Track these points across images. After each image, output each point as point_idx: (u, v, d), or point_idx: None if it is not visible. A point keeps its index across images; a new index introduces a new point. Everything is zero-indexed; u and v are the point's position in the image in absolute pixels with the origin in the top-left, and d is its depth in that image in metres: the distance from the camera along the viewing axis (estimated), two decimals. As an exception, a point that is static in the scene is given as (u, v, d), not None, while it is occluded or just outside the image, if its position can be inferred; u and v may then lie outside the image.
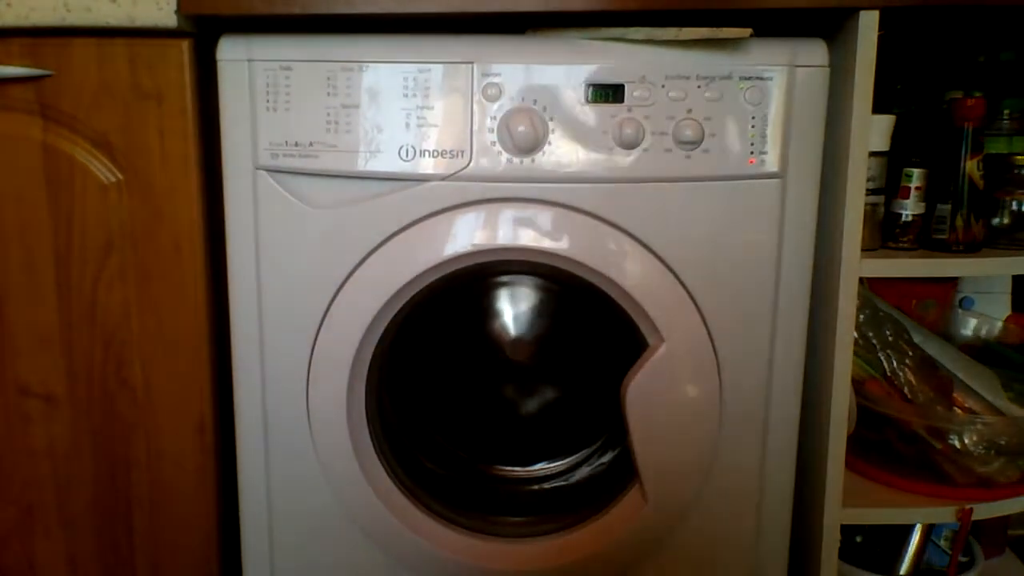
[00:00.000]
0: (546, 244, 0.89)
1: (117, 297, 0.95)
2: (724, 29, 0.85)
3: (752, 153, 0.89)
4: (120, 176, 0.92)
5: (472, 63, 0.87)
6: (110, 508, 1.00)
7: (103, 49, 0.88)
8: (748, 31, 0.86)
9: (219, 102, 0.89)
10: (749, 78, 0.87)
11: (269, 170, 0.90)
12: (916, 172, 1.02)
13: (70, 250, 0.93)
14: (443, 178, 0.89)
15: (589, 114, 0.87)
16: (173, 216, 0.93)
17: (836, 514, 1.00)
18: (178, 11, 0.85)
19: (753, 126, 0.88)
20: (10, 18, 0.85)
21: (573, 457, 1.17)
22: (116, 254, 0.94)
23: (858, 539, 1.20)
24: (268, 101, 0.88)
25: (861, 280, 0.94)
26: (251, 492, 0.99)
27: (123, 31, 0.87)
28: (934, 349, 1.11)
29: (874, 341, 1.07)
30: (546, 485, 1.15)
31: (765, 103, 0.88)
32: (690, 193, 0.89)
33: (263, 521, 0.99)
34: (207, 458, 0.99)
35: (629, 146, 0.88)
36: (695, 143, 0.88)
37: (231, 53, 0.88)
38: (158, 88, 0.89)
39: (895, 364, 1.07)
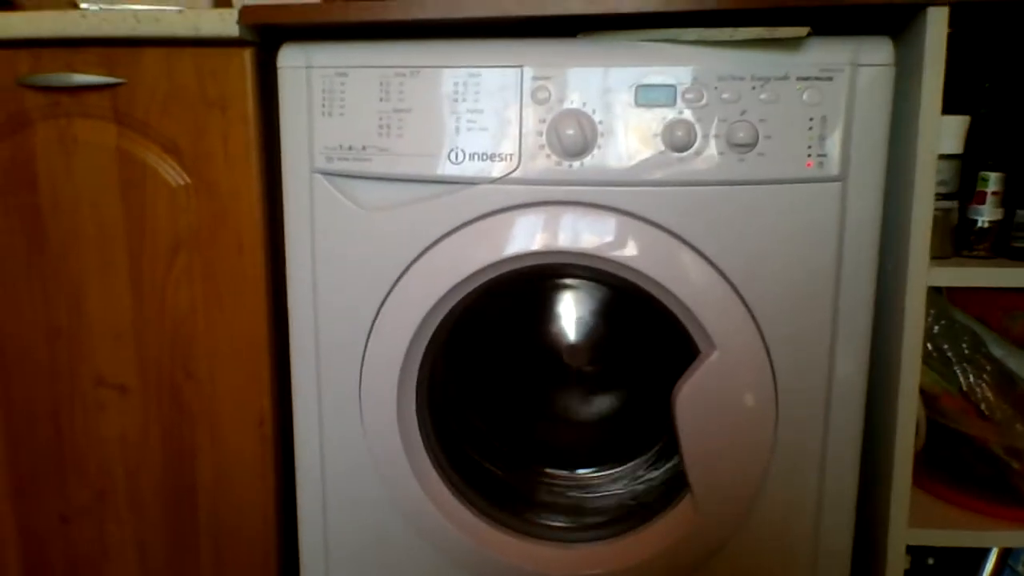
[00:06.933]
0: (594, 247, 0.89)
1: (184, 295, 0.99)
2: (780, 28, 0.82)
3: (810, 156, 0.85)
4: (188, 179, 0.96)
5: (521, 67, 0.87)
6: (176, 493, 1.06)
7: (171, 58, 0.93)
8: (805, 30, 0.82)
9: (279, 108, 0.93)
10: (807, 78, 0.84)
11: (324, 173, 0.92)
12: (993, 176, 0.96)
13: (142, 250, 0.99)
14: (492, 181, 0.89)
15: (639, 117, 0.86)
16: (236, 218, 0.97)
17: (901, 534, 0.95)
18: (239, 21, 0.89)
19: (811, 128, 0.85)
20: (85, 28, 0.91)
21: (631, 464, 1.16)
22: (184, 254, 0.98)
23: (930, 561, 1.14)
24: (324, 106, 0.91)
25: (938, 290, 0.89)
26: (307, 481, 1.02)
27: (189, 41, 0.92)
28: (1016, 364, 1.04)
29: (949, 354, 1.02)
30: (600, 491, 1.14)
31: (824, 104, 0.84)
32: (743, 196, 0.87)
33: (318, 509, 1.02)
34: (266, 448, 1.03)
35: (680, 149, 0.86)
36: (749, 145, 0.85)
37: (292, 60, 0.91)
38: (222, 95, 0.93)
39: (972, 379, 1.01)
